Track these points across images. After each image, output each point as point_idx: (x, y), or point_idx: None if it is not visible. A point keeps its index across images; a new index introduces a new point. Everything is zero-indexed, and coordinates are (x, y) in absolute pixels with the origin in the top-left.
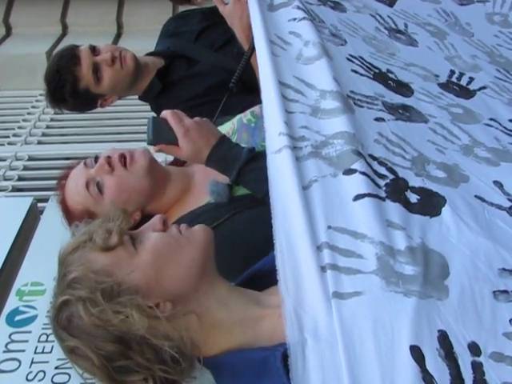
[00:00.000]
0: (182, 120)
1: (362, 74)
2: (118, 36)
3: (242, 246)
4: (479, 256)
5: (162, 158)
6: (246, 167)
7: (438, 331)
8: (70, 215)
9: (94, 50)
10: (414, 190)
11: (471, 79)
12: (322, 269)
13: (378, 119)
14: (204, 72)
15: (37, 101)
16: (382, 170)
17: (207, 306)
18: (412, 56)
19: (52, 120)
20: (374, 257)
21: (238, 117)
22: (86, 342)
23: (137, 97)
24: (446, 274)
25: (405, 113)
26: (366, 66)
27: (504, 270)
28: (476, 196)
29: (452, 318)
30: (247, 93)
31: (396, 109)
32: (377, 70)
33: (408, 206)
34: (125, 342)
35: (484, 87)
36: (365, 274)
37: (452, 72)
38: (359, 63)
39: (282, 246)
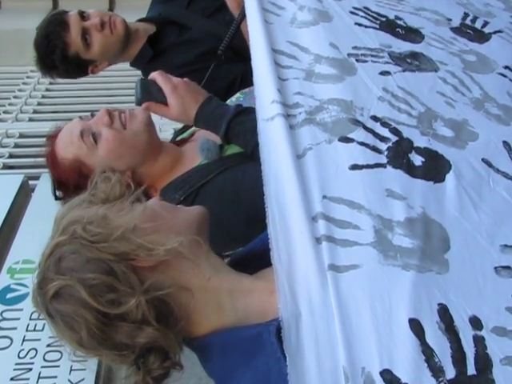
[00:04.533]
0: (170, 78)
1: (366, 26)
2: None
3: (232, 200)
4: (481, 231)
5: None
6: (235, 120)
7: (438, 305)
8: (57, 168)
9: (83, 16)
10: (419, 150)
11: (486, 22)
12: (317, 240)
13: (383, 73)
14: (195, 39)
15: (27, 77)
16: (385, 132)
17: (201, 270)
18: (422, 0)
19: (43, 97)
20: (371, 229)
21: (228, 100)
22: (74, 278)
23: (129, 76)
24: (446, 247)
25: (413, 61)
26: (372, 17)
27: (506, 246)
28: (483, 160)
29: (452, 292)
30: (237, 61)
31: (404, 58)
32: (383, 19)
33: (411, 170)
34: (113, 273)
35: (500, 31)
36: (362, 245)
37: (466, 14)
38: (364, 15)
39: (274, 216)
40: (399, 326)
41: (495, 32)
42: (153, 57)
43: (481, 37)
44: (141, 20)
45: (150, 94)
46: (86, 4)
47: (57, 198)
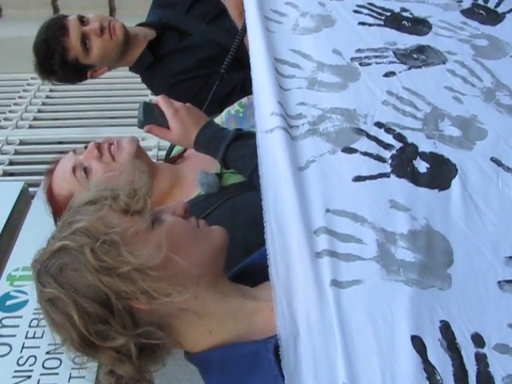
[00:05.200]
0: (172, 103)
1: (371, 24)
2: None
3: (232, 231)
4: (485, 243)
5: (152, 153)
6: (233, 145)
7: (440, 321)
8: (54, 202)
9: (82, 20)
10: (424, 156)
11: (499, 1)
12: (317, 255)
13: (387, 74)
14: (195, 45)
15: (28, 84)
16: (389, 139)
17: (204, 301)
18: None
19: (43, 104)
20: (374, 243)
21: (226, 110)
22: (71, 296)
23: (129, 84)
24: (449, 261)
25: (420, 56)
26: (377, 13)
27: (511, 258)
28: (492, 159)
29: (455, 308)
30: (237, 68)
31: (410, 54)
32: (388, 13)
33: (415, 178)
34: (109, 307)
35: None
36: (364, 260)
37: None
38: (368, 12)
39: (272, 231)
40: (401, 343)
41: (510, 11)
42: (152, 62)
43: (494, 18)
44: (140, 24)
45: (152, 117)
46: (86, 12)
47: None
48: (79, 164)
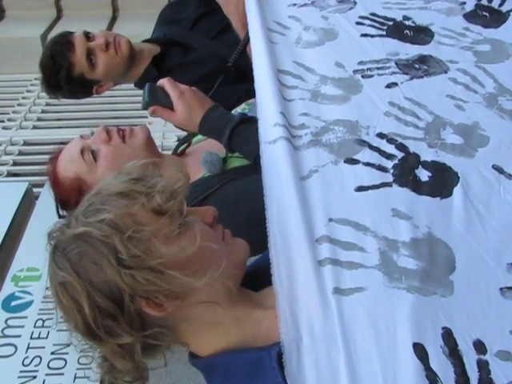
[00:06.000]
0: (177, 85)
1: (373, 36)
2: (114, 19)
3: (234, 211)
4: (487, 250)
5: (157, 142)
6: (238, 128)
7: (443, 328)
8: (59, 186)
9: (88, 36)
10: (426, 164)
11: (503, 0)
12: (320, 263)
13: (389, 85)
14: (200, 60)
15: (31, 85)
16: (391, 149)
17: (214, 310)
18: None
19: (47, 104)
20: (376, 251)
21: (232, 111)
22: (85, 287)
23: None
24: (451, 268)
25: (422, 66)
26: (379, 23)
27: None
28: (493, 166)
29: (457, 315)
30: (241, 81)
31: (412, 65)
32: (391, 23)
33: (417, 187)
34: (121, 306)
35: None
36: (367, 268)
37: None
38: (370, 23)
39: (275, 239)
40: (403, 350)
41: None
42: (157, 77)
43: (497, 18)
44: (145, 41)
45: (157, 98)
46: (90, 12)
47: (60, 217)
48: (87, 147)
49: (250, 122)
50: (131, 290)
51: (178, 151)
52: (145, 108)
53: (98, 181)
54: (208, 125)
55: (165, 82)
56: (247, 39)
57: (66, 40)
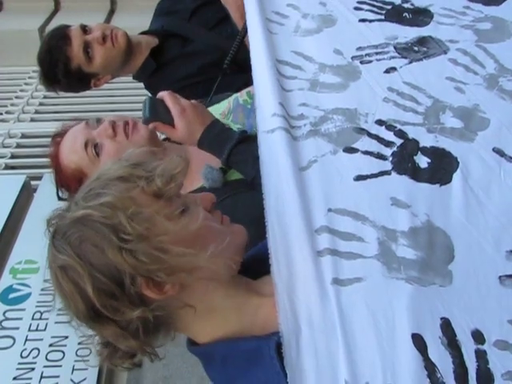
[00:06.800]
0: (179, 100)
1: (371, 20)
2: (112, 12)
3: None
4: (486, 237)
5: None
6: (237, 148)
7: (441, 319)
8: (60, 173)
9: (84, 30)
10: (425, 150)
11: None
12: (319, 253)
13: (388, 70)
14: (198, 51)
15: (29, 77)
16: (390, 136)
17: (213, 297)
18: None
19: (45, 97)
20: (375, 241)
21: (234, 96)
22: (87, 269)
23: (130, 75)
24: (450, 257)
25: (421, 48)
26: (377, 7)
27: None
28: (494, 149)
29: (455, 305)
30: (241, 72)
31: (411, 47)
32: (389, 7)
33: (416, 174)
34: (122, 287)
35: None
36: (366, 258)
37: None
38: (369, 7)
39: (274, 230)
40: (402, 341)
41: None
42: (156, 69)
43: None
44: (143, 33)
45: (157, 113)
46: (88, 5)
47: (60, 199)
48: (92, 139)
49: (248, 142)
50: (133, 270)
51: None
52: (146, 123)
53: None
54: (207, 142)
55: (165, 96)
56: (244, 33)
57: (62, 34)
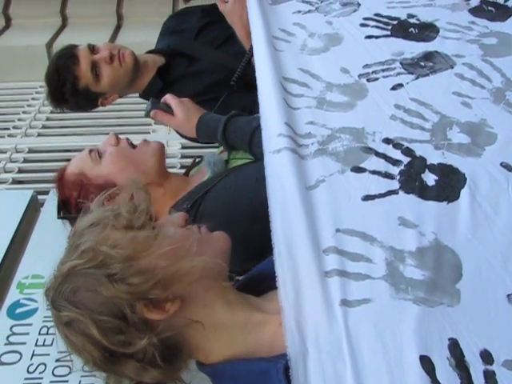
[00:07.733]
0: (178, 98)
1: (377, 37)
2: (118, 27)
3: (234, 203)
4: (495, 254)
5: (176, 160)
6: (231, 119)
7: (449, 339)
8: (62, 184)
9: (92, 49)
10: (433, 168)
11: None
12: (326, 274)
13: (395, 87)
14: (204, 70)
15: (37, 93)
16: (397, 155)
17: (214, 309)
18: None
19: (52, 112)
20: (383, 262)
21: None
22: (87, 314)
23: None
24: (458, 276)
25: (427, 64)
26: (383, 23)
27: None
28: (502, 164)
29: (463, 324)
30: (248, 91)
31: (417, 63)
32: (395, 22)
33: (423, 192)
34: (124, 319)
35: None
36: (374, 279)
37: None
38: (375, 24)
39: (280, 250)
40: (410, 363)
41: None
42: (162, 88)
43: (503, 13)
44: (150, 52)
45: (158, 105)
46: (94, 21)
47: (59, 217)
48: (96, 149)
49: (240, 115)
50: (128, 296)
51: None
52: (147, 114)
53: (99, 176)
54: (204, 124)
55: (167, 96)
56: (250, 54)
57: (70, 53)
